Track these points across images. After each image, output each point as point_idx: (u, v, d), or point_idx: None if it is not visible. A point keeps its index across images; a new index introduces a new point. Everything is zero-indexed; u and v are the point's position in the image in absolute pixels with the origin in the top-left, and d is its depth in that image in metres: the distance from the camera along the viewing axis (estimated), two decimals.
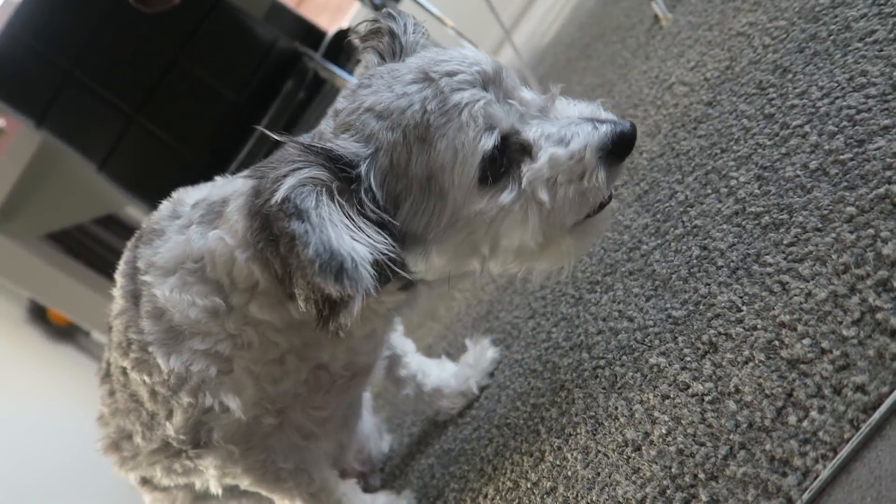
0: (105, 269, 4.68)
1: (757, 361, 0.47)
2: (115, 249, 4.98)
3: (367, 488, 1.01)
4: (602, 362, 0.66)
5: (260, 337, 0.69)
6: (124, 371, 0.78)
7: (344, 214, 0.55)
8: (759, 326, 0.49)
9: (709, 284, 0.58)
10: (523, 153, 0.60)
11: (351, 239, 0.54)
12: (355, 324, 0.59)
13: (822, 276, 0.46)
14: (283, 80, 2.17)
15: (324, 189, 0.54)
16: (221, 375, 0.70)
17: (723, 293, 0.55)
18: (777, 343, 0.46)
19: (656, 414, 0.53)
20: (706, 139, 0.76)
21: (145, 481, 0.89)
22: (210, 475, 0.81)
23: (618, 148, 0.59)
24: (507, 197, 0.59)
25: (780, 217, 0.55)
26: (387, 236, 0.57)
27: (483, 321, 1.08)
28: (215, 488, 0.82)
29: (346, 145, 0.58)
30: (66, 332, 5.09)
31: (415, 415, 1.09)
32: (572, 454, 0.60)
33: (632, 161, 0.93)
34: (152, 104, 2.18)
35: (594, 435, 0.59)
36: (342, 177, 0.56)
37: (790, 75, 0.68)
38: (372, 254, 0.54)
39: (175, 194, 0.77)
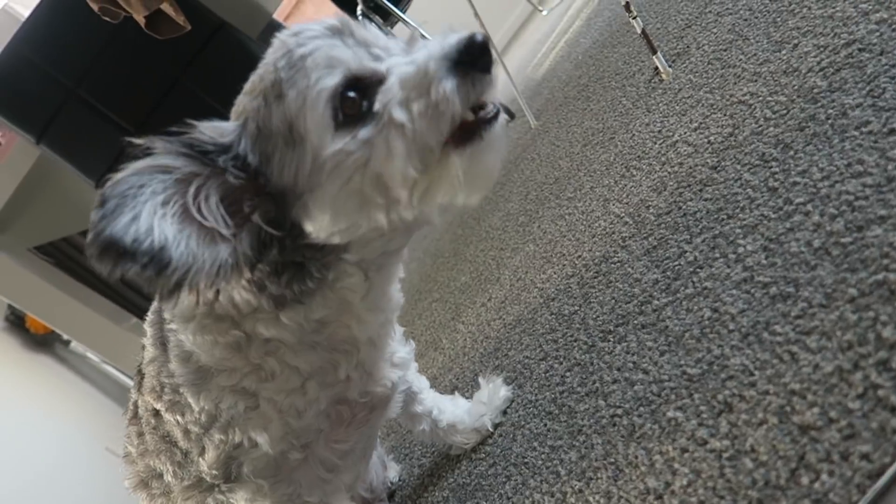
0: (89, 280, 4.65)
1: (770, 424, 0.53)
2: None
3: None
4: (619, 411, 0.72)
5: (280, 364, 0.74)
6: (157, 413, 0.83)
7: (176, 200, 0.58)
8: (771, 392, 0.55)
9: (721, 346, 0.64)
10: (380, 86, 0.62)
11: (161, 223, 0.56)
12: (340, 324, 0.69)
13: (829, 350, 0.53)
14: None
15: (152, 178, 0.57)
16: (249, 411, 0.76)
17: (735, 356, 0.61)
18: (789, 409, 0.52)
19: (676, 466, 0.59)
20: (712, 203, 0.83)
21: None
22: None
23: (465, 56, 0.59)
24: (366, 131, 0.60)
25: (787, 290, 0.61)
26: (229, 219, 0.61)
27: (491, 358, 1.14)
28: None
29: (212, 128, 0.63)
30: (43, 341, 5.04)
31: (423, 447, 1.14)
32: (594, 498, 0.66)
33: (639, 214, 1.00)
34: (152, 123, 2.21)
35: (615, 481, 0.65)
36: (203, 160, 0.60)
37: (791, 152, 0.75)
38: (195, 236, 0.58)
39: None
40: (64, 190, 2.62)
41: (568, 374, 0.87)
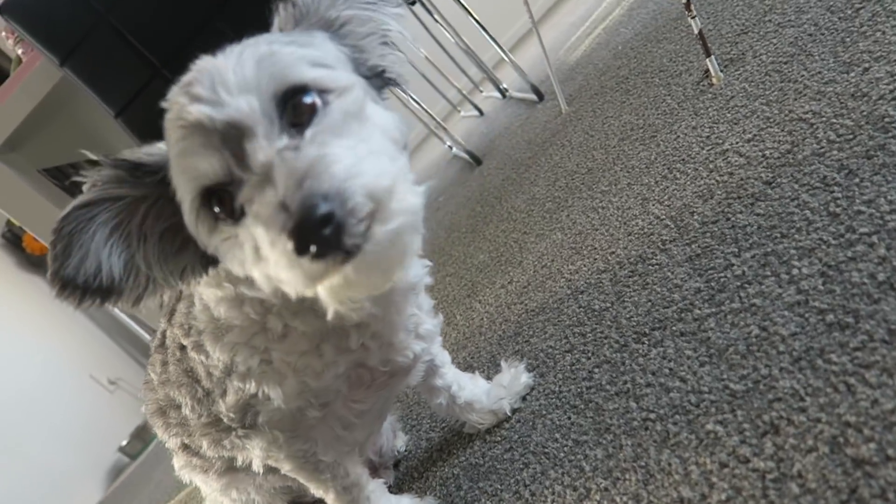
0: None
1: (821, 453, 0.53)
2: None
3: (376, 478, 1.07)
4: (652, 416, 0.72)
5: (283, 326, 0.74)
6: (183, 348, 0.84)
7: (117, 230, 0.62)
8: (823, 420, 0.55)
9: (769, 367, 0.64)
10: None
11: (109, 257, 0.61)
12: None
13: (889, 387, 0.53)
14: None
15: (98, 209, 0.61)
16: (264, 365, 0.77)
17: (784, 379, 0.61)
18: (842, 440, 0.52)
19: (714, 479, 0.59)
20: (765, 219, 0.82)
21: (185, 447, 0.95)
22: (255, 455, 0.87)
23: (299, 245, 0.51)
24: (239, 230, 0.59)
25: (846, 319, 0.61)
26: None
27: (511, 342, 1.14)
28: (257, 467, 0.88)
29: (158, 149, 0.63)
30: (39, 263, 5.04)
31: (433, 420, 1.15)
32: (622, 499, 0.66)
33: (682, 219, 0.99)
34: (180, 61, 2.17)
35: (645, 485, 0.65)
36: (147, 182, 0.63)
37: (857, 179, 0.75)
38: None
39: None
40: (79, 116, 2.59)
41: (596, 370, 0.87)
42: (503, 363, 1.03)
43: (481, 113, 3.66)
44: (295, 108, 0.59)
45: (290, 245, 0.50)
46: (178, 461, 1.01)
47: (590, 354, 0.91)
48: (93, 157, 0.64)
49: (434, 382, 0.99)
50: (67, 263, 0.60)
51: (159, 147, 0.63)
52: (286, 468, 0.88)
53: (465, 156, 2.83)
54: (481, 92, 4.14)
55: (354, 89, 0.63)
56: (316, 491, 0.92)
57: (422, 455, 1.08)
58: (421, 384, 1.00)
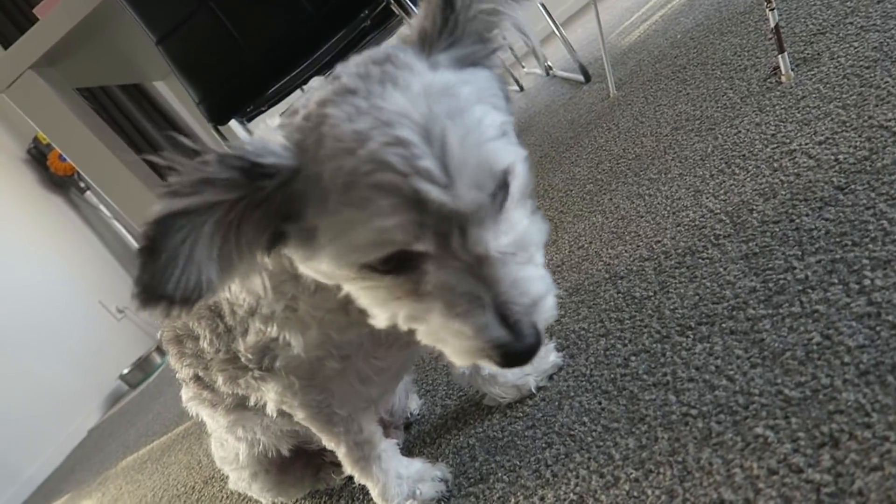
0: (128, 136, 4.62)
1: (887, 473, 0.50)
2: (131, 117, 4.89)
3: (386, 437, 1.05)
4: (693, 412, 0.69)
5: (314, 281, 0.71)
6: None
7: (221, 239, 0.54)
8: (891, 439, 0.52)
9: (831, 377, 0.60)
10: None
11: (207, 270, 0.53)
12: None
13: None
14: (360, 5, 2.13)
15: (202, 220, 0.51)
16: (288, 311, 0.74)
17: (848, 391, 0.58)
18: None
19: (761, 486, 0.56)
20: (834, 225, 0.78)
21: (198, 379, 0.93)
22: (269, 398, 0.85)
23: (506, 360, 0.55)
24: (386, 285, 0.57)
25: None
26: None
27: None
28: (271, 410, 0.86)
29: (270, 152, 0.53)
30: (61, 183, 5.05)
31: (448, 387, 1.13)
32: (654, 492, 0.64)
33: (738, 215, 0.95)
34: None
35: (681, 482, 0.62)
36: (262, 185, 0.53)
37: None
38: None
39: None
40: (117, 41, 2.55)
41: (633, 358, 0.84)
42: None
43: (521, 88, 3.59)
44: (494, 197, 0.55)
45: (496, 358, 0.54)
46: (186, 392, 1.00)
47: (626, 342, 0.88)
48: (186, 142, 0.54)
49: None
50: (167, 280, 0.51)
51: (274, 145, 0.54)
52: (299, 416, 0.86)
53: None
54: (523, 67, 4.07)
55: (520, 162, 0.57)
56: (328, 443, 0.90)
57: (435, 421, 1.06)
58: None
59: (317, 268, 0.58)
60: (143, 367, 4.22)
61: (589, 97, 2.31)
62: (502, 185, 0.55)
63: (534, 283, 0.54)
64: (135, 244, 5.05)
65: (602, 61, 2.69)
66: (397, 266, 0.54)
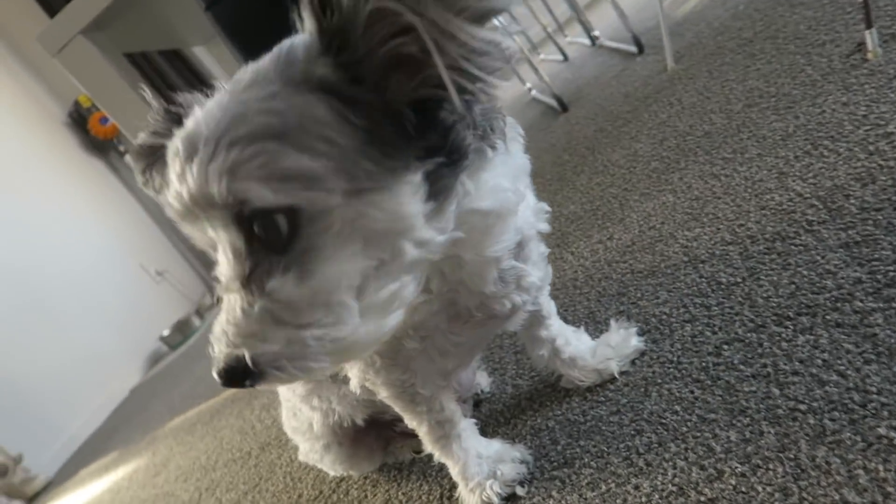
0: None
1: None
2: (171, 83, 4.91)
3: None
4: (802, 407, 0.67)
5: None
6: None
7: None
8: None
9: None
10: None
11: None
12: None
13: None
14: None
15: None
16: None
17: None
18: None
19: (890, 489, 0.55)
20: None
21: None
22: (352, 374, 0.84)
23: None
24: None
25: None
26: None
27: (613, 301, 1.09)
28: (355, 387, 0.86)
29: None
30: (101, 147, 5.10)
31: (519, 367, 1.12)
32: (765, 489, 0.62)
33: (832, 200, 0.92)
34: None
35: (796, 480, 0.61)
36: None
37: None
38: None
39: None
40: (162, 5, 2.54)
41: (725, 347, 0.82)
42: (613, 322, 0.98)
43: (566, 58, 3.51)
44: (265, 224, 0.56)
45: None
46: None
47: (716, 329, 0.86)
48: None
49: (538, 333, 0.95)
50: (145, 180, 0.72)
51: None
52: (383, 395, 0.86)
53: (549, 100, 2.72)
54: (565, 36, 3.97)
55: (333, 213, 0.54)
56: (410, 422, 0.90)
57: (507, 400, 1.05)
58: (523, 332, 0.97)
59: None
60: (182, 330, 4.29)
61: (643, 69, 2.25)
62: (275, 229, 0.53)
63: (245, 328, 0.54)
64: None
65: (654, 32, 2.62)
66: None
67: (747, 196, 1.09)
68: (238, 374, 0.54)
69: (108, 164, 5.15)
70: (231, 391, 2.30)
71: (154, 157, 0.70)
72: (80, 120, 5.02)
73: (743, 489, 0.64)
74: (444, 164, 0.57)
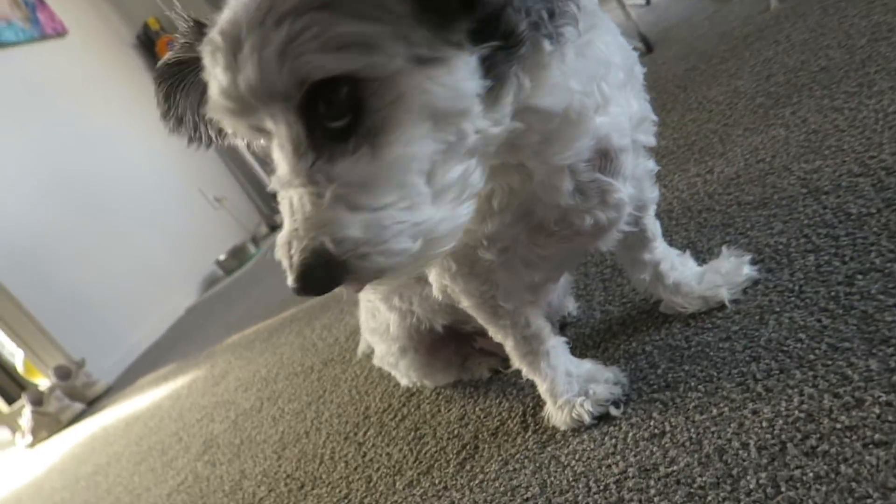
0: None
1: None
2: None
3: None
4: None
5: None
6: None
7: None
8: None
9: None
10: None
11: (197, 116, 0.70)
12: None
13: None
14: None
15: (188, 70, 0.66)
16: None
17: None
18: None
19: None
20: None
21: None
22: (431, 277, 0.81)
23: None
24: None
25: None
26: None
27: (717, 231, 1.03)
28: (436, 291, 0.83)
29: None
30: None
31: (607, 293, 1.07)
32: None
33: None
34: None
35: None
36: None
37: None
38: None
39: None
40: None
41: (859, 277, 0.75)
42: (724, 249, 0.92)
43: (648, 2, 3.34)
44: (326, 101, 0.52)
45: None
46: None
47: (846, 259, 0.79)
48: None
49: (641, 256, 0.89)
50: (166, 109, 0.67)
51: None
52: (464, 304, 0.82)
53: (632, 41, 2.60)
54: None
55: (400, 79, 0.50)
56: (495, 335, 0.86)
57: (596, 325, 1.01)
58: (624, 254, 0.91)
59: None
60: (237, 256, 4.36)
61: (741, 10, 2.12)
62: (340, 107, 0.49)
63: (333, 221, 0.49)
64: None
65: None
66: None
67: (878, 128, 0.99)
68: (320, 271, 0.48)
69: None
70: (289, 311, 2.31)
71: (181, 74, 0.64)
72: (147, 42, 5.05)
73: (890, 417, 0.58)
74: (500, 50, 0.52)
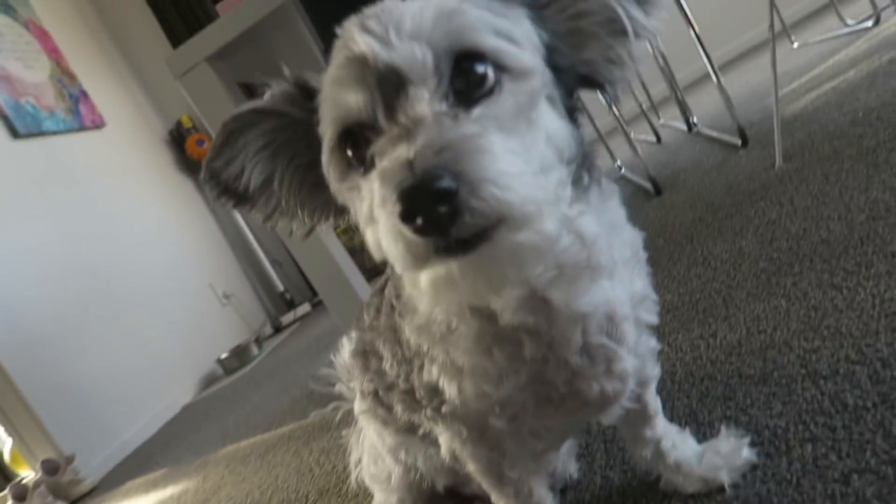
0: None
1: None
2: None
3: None
4: None
5: (447, 315, 0.69)
6: (393, 305, 0.80)
7: (270, 144, 0.72)
8: None
9: None
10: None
11: (251, 169, 0.72)
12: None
13: None
14: None
15: (262, 121, 0.70)
16: (444, 355, 0.72)
17: None
18: None
19: None
20: None
21: (376, 395, 0.93)
22: (441, 440, 0.82)
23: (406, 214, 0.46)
24: (362, 183, 0.59)
25: None
26: None
27: (718, 403, 1.04)
28: (444, 453, 0.84)
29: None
30: (193, 167, 5.33)
31: (608, 455, 1.07)
32: None
33: None
34: None
35: None
36: (309, 106, 0.66)
37: None
38: None
39: None
40: (279, 42, 2.67)
41: (855, 476, 0.76)
42: (723, 428, 0.93)
43: (659, 139, 3.50)
44: (465, 74, 0.54)
45: (397, 207, 0.45)
46: (361, 404, 0.99)
47: (843, 454, 0.80)
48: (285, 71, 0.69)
49: (643, 432, 0.91)
50: (220, 157, 0.67)
51: None
52: (470, 468, 0.83)
53: (642, 181, 2.70)
54: (659, 119, 3.96)
55: (534, 77, 0.57)
56: (497, 501, 0.87)
57: (596, 491, 1.01)
58: (626, 429, 0.93)
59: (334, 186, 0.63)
60: (240, 356, 4.35)
61: (748, 163, 2.22)
62: (465, 65, 0.54)
63: (470, 144, 0.47)
64: (251, 236, 5.25)
65: (759, 126, 2.59)
66: (361, 159, 0.57)
67: (875, 315, 1.03)
68: (446, 182, 0.44)
69: (197, 184, 5.37)
70: (287, 427, 2.30)
71: (253, 122, 0.67)
72: (178, 139, 5.28)
73: None
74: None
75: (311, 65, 3.17)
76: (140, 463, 3.23)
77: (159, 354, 4.17)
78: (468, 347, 0.69)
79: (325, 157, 0.61)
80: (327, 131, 0.59)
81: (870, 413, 0.84)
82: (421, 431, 0.88)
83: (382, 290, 0.87)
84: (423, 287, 0.51)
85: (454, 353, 0.71)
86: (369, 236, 0.57)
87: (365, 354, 0.92)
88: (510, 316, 0.65)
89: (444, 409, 0.77)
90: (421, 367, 0.77)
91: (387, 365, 0.85)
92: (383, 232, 0.49)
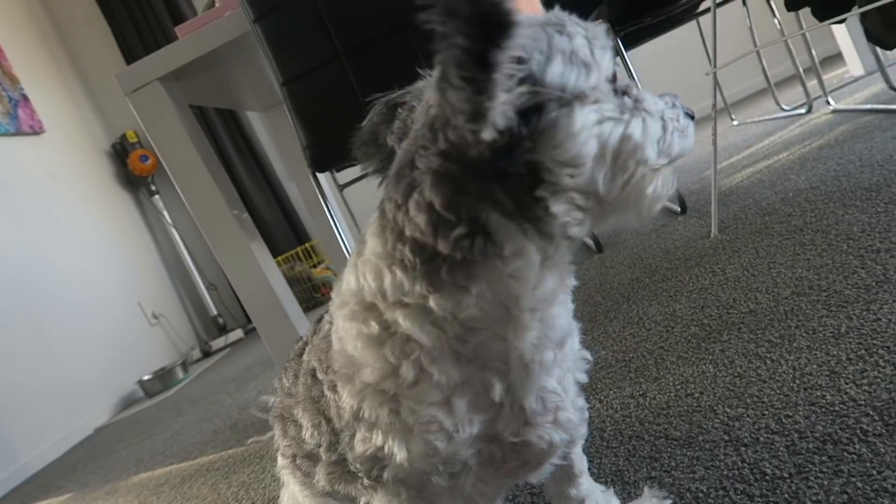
0: (226, 163, 4.77)
1: None
2: (218, 138, 5.04)
3: None
4: None
5: (417, 372, 0.68)
6: (314, 375, 0.79)
7: None
8: None
9: None
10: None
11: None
12: (492, 334, 0.65)
13: None
14: None
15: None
16: (392, 416, 0.70)
17: None
18: None
19: None
20: None
21: (295, 459, 0.90)
22: (376, 499, 0.81)
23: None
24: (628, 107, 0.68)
25: None
26: None
27: (644, 464, 1.06)
28: None
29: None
30: (134, 182, 5.20)
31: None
32: None
33: (889, 415, 0.91)
34: (361, 55, 2.22)
35: None
36: None
37: None
38: None
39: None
40: (237, 69, 2.67)
41: None
42: (646, 489, 0.95)
43: None
44: None
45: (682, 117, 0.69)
46: (282, 460, 0.96)
47: None
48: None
49: (569, 491, 0.92)
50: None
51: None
52: None
53: (585, 238, 2.78)
54: None
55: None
56: None
57: None
58: (551, 487, 0.93)
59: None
60: (163, 379, 4.19)
61: (685, 230, 2.31)
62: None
63: None
64: (188, 257, 5.11)
65: (697, 196, 2.71)
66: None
67: (795, 387, 1.08)
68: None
69: (136, 200, 5.22)
70: (207, 457, 2.21)
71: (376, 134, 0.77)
72: (122, 153, 5.15)
73: None
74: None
75: (266, 94, 3.16)
76: (42, 487, 3.04)
77: (76, 372, 3.97)
78: (430, 399, 0.68)
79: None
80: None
81: (786, 483, 0.88)
82: (342, 494, 0.86)
83: (301, 354, 0.86)
84: (654, 188, 0.66)
85: (405, 410, 0.70)
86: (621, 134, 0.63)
87: (283, 420, 0.90)
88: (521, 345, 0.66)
89: (385, 474, 0.75)
90: (353, 438, 0.75)
91: (306, 434, 0.83)
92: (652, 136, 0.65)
